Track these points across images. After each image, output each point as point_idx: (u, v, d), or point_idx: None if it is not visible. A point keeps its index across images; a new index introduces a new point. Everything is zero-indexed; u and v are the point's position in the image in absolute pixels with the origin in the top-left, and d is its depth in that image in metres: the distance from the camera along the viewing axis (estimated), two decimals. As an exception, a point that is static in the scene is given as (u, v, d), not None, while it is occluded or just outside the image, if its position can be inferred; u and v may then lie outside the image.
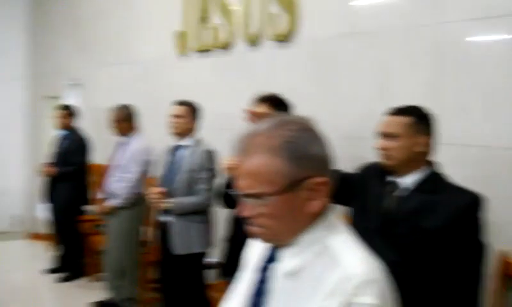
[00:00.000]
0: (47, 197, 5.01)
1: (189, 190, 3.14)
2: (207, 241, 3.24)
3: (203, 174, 3.14)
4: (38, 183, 5.61)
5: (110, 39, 5.44)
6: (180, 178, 3.16)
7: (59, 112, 4.99)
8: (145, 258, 4.03)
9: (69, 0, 6.30)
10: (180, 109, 3.24)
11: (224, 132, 3.79)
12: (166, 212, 3.16)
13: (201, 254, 3.23)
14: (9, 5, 7.04)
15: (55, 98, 6.15)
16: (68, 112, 5.00)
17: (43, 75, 6.79)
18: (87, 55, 5.85)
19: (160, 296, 3.44)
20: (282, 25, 3.21)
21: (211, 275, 3.39)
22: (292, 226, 1.06)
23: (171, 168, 3.25)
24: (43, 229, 6.11)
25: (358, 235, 1.11)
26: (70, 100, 5.57)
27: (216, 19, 3.85)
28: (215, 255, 3.65)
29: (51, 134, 5.51)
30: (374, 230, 1.82)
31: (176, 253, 3.13)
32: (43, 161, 5.16)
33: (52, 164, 4.92)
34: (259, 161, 1.03)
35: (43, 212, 5.40)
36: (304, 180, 1.03)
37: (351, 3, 2.84)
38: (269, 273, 1.11)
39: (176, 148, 3.28)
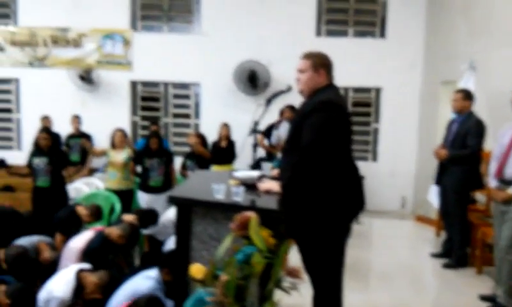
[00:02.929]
0: (437, 180, 5.00)
1: None
2: None
3: None
4: (430, 166, 5.67)
5: (507, 19, 4.92)
6: None
7: (455, 96, 4.87)
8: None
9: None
10: None
11: None
12: None
13: None
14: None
15: (451, 82, 6.04)
16: (464, 95, 4.81)
17: (439, 59, 6.80)
18: (481, 37, 5.50)
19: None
20: None
21: None
22: None
23: None
24: (432, 212, 6.16)
25: None
26: (466, 84, 5.35)
27: None
28: None
29: (446, 118, 5.44)
30: None
31: None
32: (437, 144, 5.14)
33: (444, 147, 4.85)
34: None
35: (433, 196, 5.42)
36: None
37: None
38: None
39: None
